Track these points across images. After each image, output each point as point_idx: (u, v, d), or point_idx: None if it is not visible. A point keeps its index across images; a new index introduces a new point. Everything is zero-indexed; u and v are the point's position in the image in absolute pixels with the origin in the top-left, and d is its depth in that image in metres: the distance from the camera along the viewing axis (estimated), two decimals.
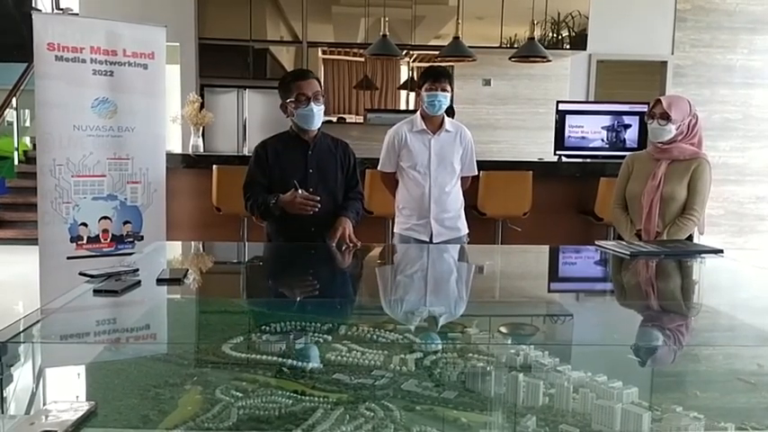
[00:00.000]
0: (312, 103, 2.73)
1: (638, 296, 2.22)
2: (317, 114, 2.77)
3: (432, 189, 3.23)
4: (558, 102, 5.54)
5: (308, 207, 2.64)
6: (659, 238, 2.94)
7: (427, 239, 3.24)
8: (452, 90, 3.22)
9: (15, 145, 8.66)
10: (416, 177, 3.24)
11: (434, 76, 3.16)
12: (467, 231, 3.38)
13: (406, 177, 3.28)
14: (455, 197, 3.31)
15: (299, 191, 2.64)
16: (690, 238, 2.99)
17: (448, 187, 3.26)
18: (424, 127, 3.23)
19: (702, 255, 2.59)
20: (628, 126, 5.26)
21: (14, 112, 8.85)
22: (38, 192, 3.99)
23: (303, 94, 2.74)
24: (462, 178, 3.35)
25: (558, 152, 5.28)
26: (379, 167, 3.40)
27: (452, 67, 6.92)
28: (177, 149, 6.37)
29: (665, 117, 2.91)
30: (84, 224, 4.09)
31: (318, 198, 2.65)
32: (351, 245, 2.69)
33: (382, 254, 3.27)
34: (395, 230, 3.39)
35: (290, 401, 1.17)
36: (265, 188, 2.79)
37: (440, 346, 1.50)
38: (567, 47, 7.36)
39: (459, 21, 6.28)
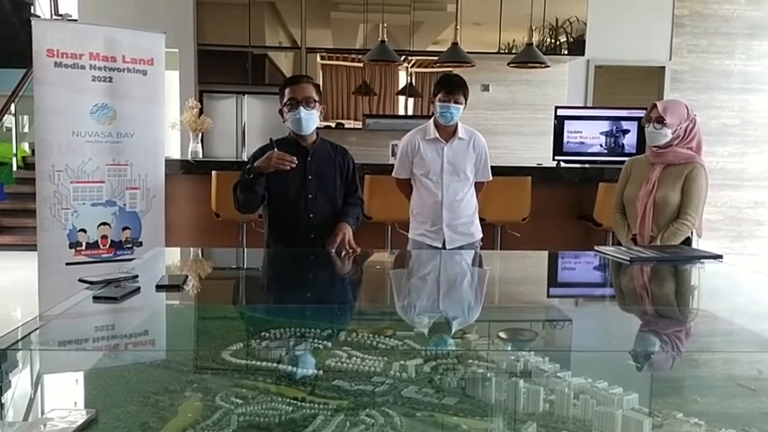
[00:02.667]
0: (300, 107, 2.72)
1: (637, 302, 2.22)
2: (305, 119, 2.74)
3: (444, 197, 3.23)
4: (556, 107, 5.55)
5: (284, 163, 2.61)
6: (653, 242, 2.94)
7: (440, 246, 3.24)
8: (467, 101, 3.21)
9: (14, 151, 8.66)
10: (429, 185, 3.24)
11: (449, 88, 3.14)
12: (480, 236, 3.38)
13: (420, 185, 3.28)
14: (468, 203, 3.30)
15: (275, 150, 2.63)
16: (689, 242, 2.99)
17: (460, 195, 3.25)
18: (437, 135, 3.23)
19: (702, 260, 2.60)
20: (626, 131, 5.27)
21: (13, 118, 8.85)
22: (37, 198, 3.98)
23: (293, 98, 2.74)
24: (477, 184, 3.35)
25: (556, 157, 5.28)
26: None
27: (451, 72, 6.94)
28: (176, 155, 6.38)
29: (661, 121, 2.92)
30: (83, 230, 4.08)
31: (295, 158, 2.63)
32: (350, 251, 2.68)
33: (382, 260, 3.27)
34: (409, 236, 3.39)
35: (291, 408, 1.17)
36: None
37: (440, 353, 1.50)
38: (566, 52, 7.38)
39: (458, 26, 6.30)
